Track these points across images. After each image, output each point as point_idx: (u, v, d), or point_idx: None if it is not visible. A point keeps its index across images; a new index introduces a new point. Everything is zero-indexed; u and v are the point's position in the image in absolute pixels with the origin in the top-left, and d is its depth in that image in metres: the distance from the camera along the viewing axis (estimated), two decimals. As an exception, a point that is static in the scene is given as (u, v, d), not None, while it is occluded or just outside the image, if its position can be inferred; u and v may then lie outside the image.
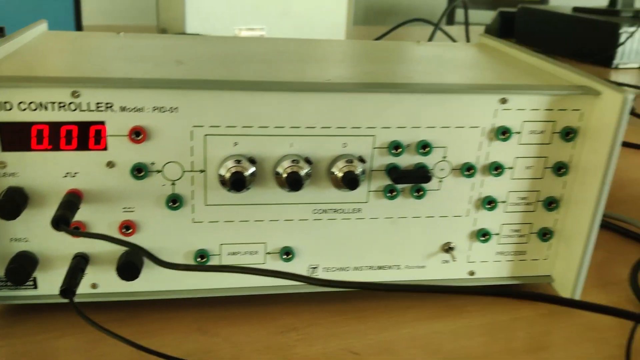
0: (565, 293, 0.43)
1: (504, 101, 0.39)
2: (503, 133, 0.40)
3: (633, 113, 0.95)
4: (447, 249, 0.43)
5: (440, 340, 0.41)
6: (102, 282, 0.40)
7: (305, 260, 0.41)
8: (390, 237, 0.42)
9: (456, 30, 1.88)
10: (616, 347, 0.40)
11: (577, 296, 0.43)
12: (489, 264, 0.44)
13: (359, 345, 0.40)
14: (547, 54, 1.66)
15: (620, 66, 1.36)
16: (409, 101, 0.38)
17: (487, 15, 1.96)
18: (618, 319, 0.44)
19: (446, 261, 0.43)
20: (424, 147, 0.39)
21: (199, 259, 0.40)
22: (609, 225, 0.58)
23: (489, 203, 0.42)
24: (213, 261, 0.40)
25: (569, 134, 0.40)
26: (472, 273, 0.44)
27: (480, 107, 0.39)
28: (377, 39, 1.32)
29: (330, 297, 0.43)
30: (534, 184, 0.42)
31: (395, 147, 0.39)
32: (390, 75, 0.44)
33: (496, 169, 0.41)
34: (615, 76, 1.33)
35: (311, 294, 0.43)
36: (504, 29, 1.65)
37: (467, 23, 1.20)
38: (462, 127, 0.39)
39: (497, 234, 0.43)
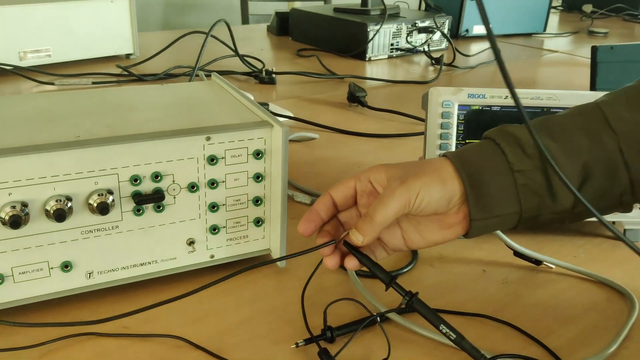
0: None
1: (208, 139, 0.57)
2: (212, 159, 0.58)
3: (366, 105, 1.21)
4: (190, 242, 0.60)
5: (190, 306, 0.59)
6: None
7: (82, 268, 0.56)
8: (145, 242, 0.58)
9: (242, 31, 2.05)
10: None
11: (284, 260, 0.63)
12: (223, 248, 0.63)
13: (130, 321, 0.56)
14: (317, 50, 1.92)
15: (373, 58, 1.65)
16: (139, 147, 0.54)
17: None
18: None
19: (191, 251, 0.61)
20: (157, 176, 0.56)
21: (-5, 281, 0.53)
22: (323, 203, 0.79)
23: (213, 207, 0.60)
24: (8, 281, 0.53)
25: (259, 154, 0.60)
26: (212, 256, 0.62)
27: (192, 145, 0.56)
28: (163, 50, 1.45)
29: (109, 292, 0.59)
30: (243, 189, 0.61)
31: (135, 180, 0.55)
32: (127, 125, 0.58)
33: (212, 184, 0.59)
34: (370, 68, 1.60)
35: (93, 292, 0.58)
36: (281, 28, 1.87)
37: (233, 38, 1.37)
38: (182, 159, 0.56)
39: (225, 227, 0.61)
